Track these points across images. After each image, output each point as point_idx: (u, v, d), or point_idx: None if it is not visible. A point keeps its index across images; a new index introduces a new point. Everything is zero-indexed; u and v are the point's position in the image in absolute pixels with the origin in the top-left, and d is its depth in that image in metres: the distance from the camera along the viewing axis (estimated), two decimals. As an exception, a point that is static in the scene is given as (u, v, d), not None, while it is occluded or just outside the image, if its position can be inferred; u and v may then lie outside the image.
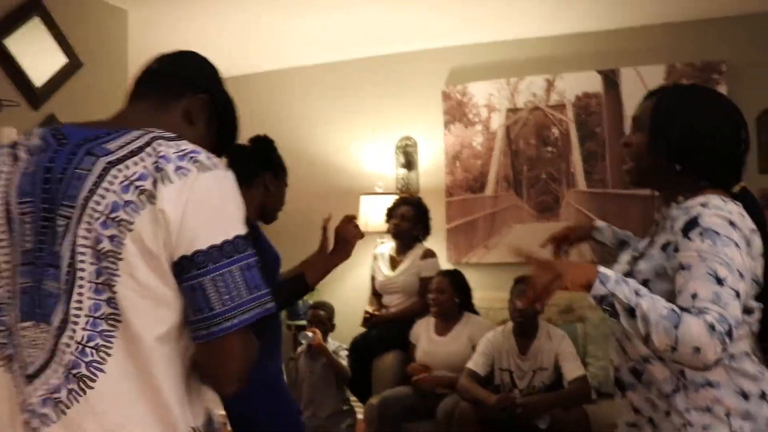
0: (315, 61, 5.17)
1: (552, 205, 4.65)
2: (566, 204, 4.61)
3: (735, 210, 1.40)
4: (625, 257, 1.61)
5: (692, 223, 1.37)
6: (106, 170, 1.10)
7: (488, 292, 4.44)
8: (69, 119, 3.54)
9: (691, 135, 1.50)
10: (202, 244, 1.08)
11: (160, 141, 1.13)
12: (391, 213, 4.39)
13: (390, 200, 4.52)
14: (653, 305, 1.30)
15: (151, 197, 1.07)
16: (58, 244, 1.11)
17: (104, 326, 1.09)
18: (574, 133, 4.63)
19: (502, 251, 4.70)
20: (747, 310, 1.37)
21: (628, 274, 1.48)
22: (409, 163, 4.94)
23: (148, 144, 1.12)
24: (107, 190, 1.09)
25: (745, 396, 1.39)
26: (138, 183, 1.08)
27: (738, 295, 1.30)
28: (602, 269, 1.36)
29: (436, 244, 4.69)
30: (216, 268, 1.09)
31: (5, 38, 3.27)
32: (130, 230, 1.07)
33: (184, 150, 1.12)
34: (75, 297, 1.09)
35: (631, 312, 1.30)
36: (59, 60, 3.54)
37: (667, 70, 4.41)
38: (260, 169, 2.47)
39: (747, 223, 1.40)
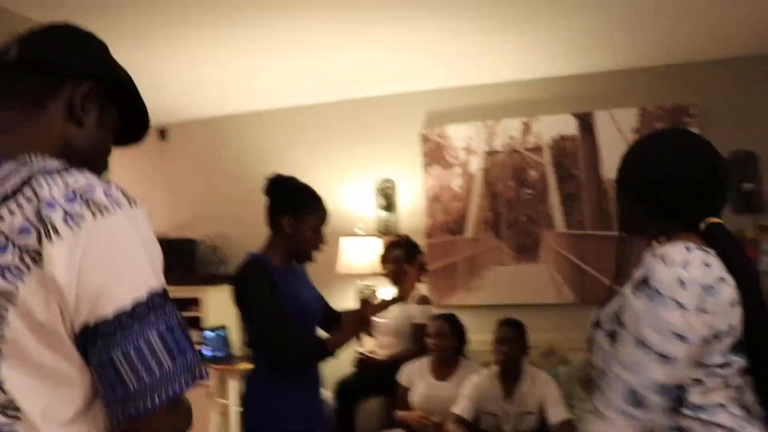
0: (293, 103, 5.19)
1: (531, 247, 4.68)
2: (545, 245, 4.64)
3: (696, 261, 1.33)
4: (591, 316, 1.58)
5: (642, 282, 1.35)
6: None
7: (471, 335, 4.41)
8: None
9: (648, 175, 1.49)
10: (108, 311, 0.86)
11: (40, 178, 0.88)
12: (384, 258, 4.33)
13: (371, 242, 4.51)
14: None
15: (37, 257, 0.84)
16: None
17: (3, 419, 0.87)
18: (552, 175, 4.68)
19: (484, 293, 4.69)
20: (720, 365, 1.34)
21: (597, 323, 1.48)
22: (389, 205, 4.94)
23: (24, 183, 0.88)
24: None
25: None
26: (21, 241, 0.85)
27: (665, 356, 1.29)
28: None
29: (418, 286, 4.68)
30: (127, 338, 0.87)
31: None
32: (14, 304, 0.85)
33: (73, 188, 0.88)
34: None
35: None
36: None
37: (640, 113, 4.50)
38: (276, 213, 2.44)
39: (711, 273, 1.33)
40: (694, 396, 1.34)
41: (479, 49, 4.18)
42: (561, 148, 4.67)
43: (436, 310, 4.23)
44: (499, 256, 4.73)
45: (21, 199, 0.87)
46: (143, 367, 0.88)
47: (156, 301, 0.91)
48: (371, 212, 5.00)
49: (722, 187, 1.49)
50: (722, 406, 1.36)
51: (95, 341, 0.87)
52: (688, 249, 1.36)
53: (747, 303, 1.36)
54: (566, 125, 4.66)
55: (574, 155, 4.64)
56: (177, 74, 4.43)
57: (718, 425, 1.35)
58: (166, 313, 0.92)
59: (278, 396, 2.34)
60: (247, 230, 5.22)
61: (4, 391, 0.86)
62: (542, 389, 3.63)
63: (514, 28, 3.85)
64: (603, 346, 1.44)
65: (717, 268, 1.35)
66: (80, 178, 0.90)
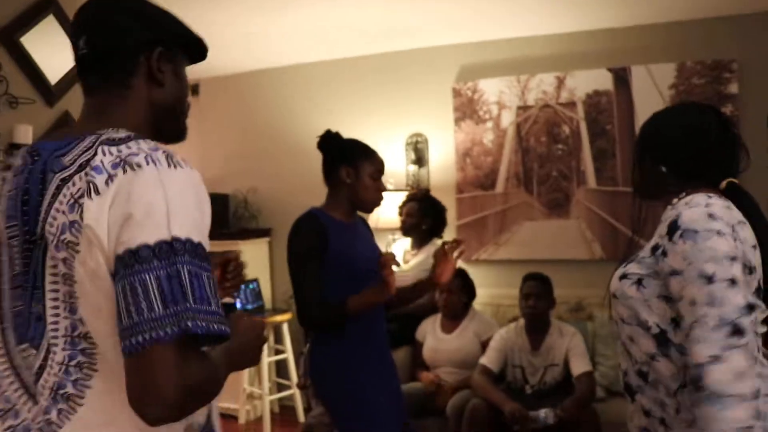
0: (324, 56, 5.18)
1: (562, 203, 4.66)
2: (576, 202, 4.62)
3: (718, 203, 1.44)
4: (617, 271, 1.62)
5: (673, 226, 1.43)
6: (59, 188, 1.04)
7: (498, 289, 4.47)
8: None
9: (667, 135, 1.60)
10: (120, 249, 0.98)
11: (103, 148, 1.05)
12: (400, 210, 4.41)
13: (400, 197, 4.54)
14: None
15: (84, 214, 1.00)
16: (34, 266, 1.07)
17: (84, 344, 1.05)
18: (585, 130, 4.63)
19: (513, 248, 4.71)
20: (749, 306, 1.38)
21: (623, 275, 1.54)
22: (420, 160, 4.95)
23: (92, 159, 1.04)
24: (58, 210, 1.03)
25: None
26: (80, 200, 1.01)
27: (733, 281, 1.35)
28: None
29: (447, 239, 4.70)
30: (127, 274, 0.97)
31: (21, 36, 3.28)
32: (77, 251, 1.01)
33: (121, 156, 1.03)
34: (50, 318, 1.06)
35: None
36: (72, 57, 3.54)
37: (678, 69, 4.40)
38: (333, 166, 2.45)
39: (733, 214, 1.44)
40: None
41: (514, 2, 4.11)
42: (595, 103, 4.61)
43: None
44: (529, 212, 4.72)
45: (88, 168, 1.03)
46: (134, 306, 0.97)
47: (163, 249, 0.98)
48: (401, 167, 5.01)
49: (733, 146, 1.59)
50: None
51: (119, 269, 0.98)
52: (708, 197, 1.47)
53: (765, 253, 1.47)
54: (601, 80, 4.58)
55: (609, 111, 4.58)
56: (209, 29, 4.40)
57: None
58: (172, 263, 0.98)
59: (348, 359, 2.38)
60: (279, 184, 5.32)
61: (83, 324, 1.04)
62: (569, 342, 3.67)
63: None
64: (630, 294, 1.50)
65: (737, 213, 1.46)
66: (133, 146, 1.05)
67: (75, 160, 1.05)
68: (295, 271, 2.36)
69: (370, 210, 2.51)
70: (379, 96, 5.08)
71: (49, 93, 3.40)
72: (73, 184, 1.03)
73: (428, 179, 4.97)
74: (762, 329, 1.46)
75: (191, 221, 1.03)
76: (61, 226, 1.02)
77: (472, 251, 4.78)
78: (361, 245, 2.47)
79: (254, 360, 1.29)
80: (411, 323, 4.14)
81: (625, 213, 4.47)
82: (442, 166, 4.94)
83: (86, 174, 1.02)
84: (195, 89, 5.64)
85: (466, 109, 4.86)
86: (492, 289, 4.49)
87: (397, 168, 4.99)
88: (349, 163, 2.43)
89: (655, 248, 1.48)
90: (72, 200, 1.02)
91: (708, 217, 1.40)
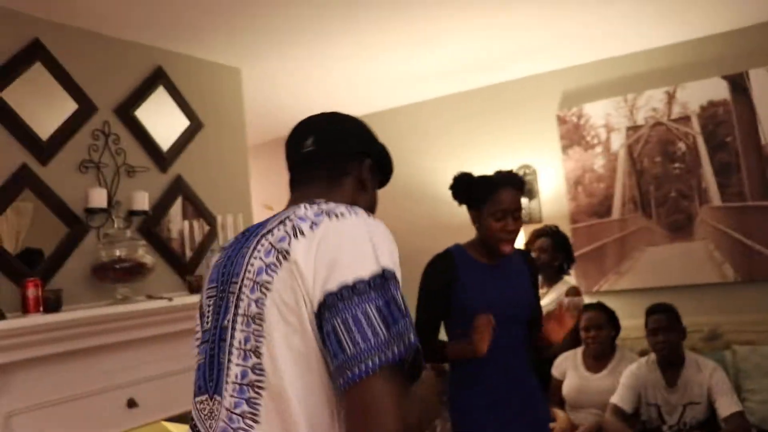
0: (427, 96, 5.18)
1: (685, 224, 4.38)
2: (700, 221, 4.34)
3: None
4: None
5: None
6: (258, 242, 1.16)
7: (624, 321, 4.21)
8: (193, 178, 3.71)
9: None
10: (333, 285, 1.04)
11: (305, 204, 1.16)
12: (529, 247, 4.22)
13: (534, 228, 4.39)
14: None
15: (286, 254, 1.08)
16: (226, 319, 1.16)
17: (250, 393, 1.09)
18: (702, 145, 4.36)
19: (635, 276, 4.46)
20: None
21: None
22: (530, 192, 4.81)
23: (294, 212, 1.15)
24: (256, 257, 1.13)
25: None
26: (278, 245, 1.11)
27: None
28: None
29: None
30: (348, 308, 1.03)
31: (135, 110, 3.45)
32: (270, 290, 1.09)
33: (323, 209, 1.14)
34: (227, 366, 1.13)
35: None
36: (182, 123, 3.71)
37: (804, 69, 4.09)
38: (468, 209, 2.46)
39: None
40: None
41: (612, 20, 3.95)
42: (711, 115, 4.34)
43: (587, 300, 4.05)
44: (649, 237, 4.47)
45: (286, 220, 1.14)
46: (359, 334, 1.02)
47: (377, 282, 1.06)
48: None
49: None
50: None
51: (324, 313, 1.04)
52: None
53: None
54: (715, 90, 4.32)
55: (727, 121, 4.29)
56: (310, 82, 4.53)
57: None
58: (385, 291, 1.06)
59: (470, 393, 2.35)
60: (393, 226, 5.31)
61: (261, 369, 1.08)
62: (709, 377, 3.38)
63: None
64: None
65: None
66: (332, 204, 1.16)
67: (276, 218, 1.17)
68: (416, 305, 2.37)
69: (497, 253, 2.40)
70: (483, 131, 5.00)
71: (162, 159, 3.55)
72: (272, 234, 1.14)
73: (540, 211, 4.81)
74: None
75: (389, 257, 1.11)
76: (257, 270, 1.11)
77: (592, 282, 4.57)
78: (504, 286, 2.39)
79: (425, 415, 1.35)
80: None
81: (758, 229, 4.16)
82: (554, 196, 4.78)
83: (290, 220, 1.13)
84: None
85: (573, 135, 4.70)
86: (617, 321, 4.25)
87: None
88: (472, 206, 2.40)
89: None
90: (270, 247, 1.12)
91: None
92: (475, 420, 2.32)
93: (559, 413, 3.70)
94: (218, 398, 1.14)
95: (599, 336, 3.69)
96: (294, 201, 1.28)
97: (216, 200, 3.84)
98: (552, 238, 4.10)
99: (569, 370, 3.80)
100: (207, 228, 3.75)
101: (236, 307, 1.14)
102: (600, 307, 3.81)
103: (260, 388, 1.08)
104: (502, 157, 4.90)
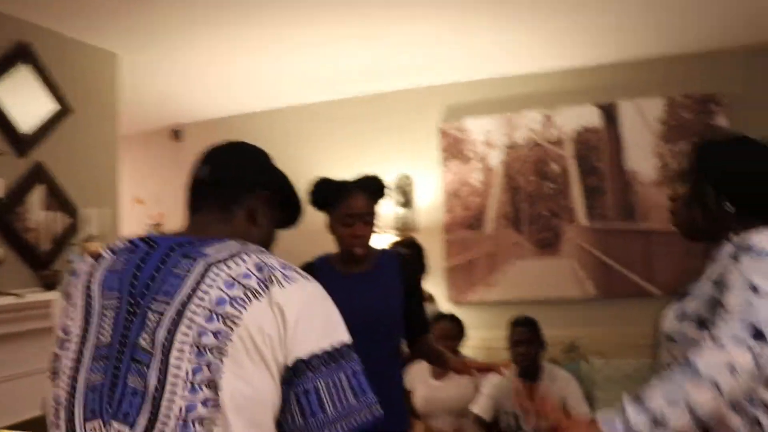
0: (309, 100, 5.14)
1: (553, 241, 4.57)
2: (567, 239, 4.53)
3: None
4: (671, 312, 1.51)
5: (742, 248, 1.37)
6: (207, 270, 1.10)
7: (489, 331, 4.35)
8: (56, 166, 3.49)
9: (740, 171, 1.51)
10: (317, 348, 1.07)
11: (254, 248, 1.17)
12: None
13: (388, 239, 4.44)
14: (671, 398, 1.23)
15: (260, 294, 1.07)
16: (145, 340, 1.08)
17: (197, 429, 1.02)
18: (574, 167, 4.56)
19: (503, 289, 4.60)
20: None
21: (683, 315, 1.45)
22: (407, 202, 4.87)
23: (243, 252, 1.14)
24: (210, 286, 1.08)
25: None
26: (243, 281, 1.09)
27: None
28: (604, 423, 1.27)
29: (436, 282, 4.60)
30: (329, 372, 1.08)
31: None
32: (238, 325, 1.05)
33: (279, 261, 1.15)
34: (167, 396, 1.04)
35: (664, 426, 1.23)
36: (48, 106, 3.49)
37: (667, 103, 4.36)
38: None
39: None
40: None
41: (499, 41, 4.08)
42: (584, 140, 4.55)
43: (437, 309, 4.16)
44: (519, 251, 4.63)
45: (243, 257, 1.12)
46: (338, 398, 1.07)
47: (346, 350, 1.12)
48: (389, 209, 4.93)
49: None
50: None
51: (305, 372, 1.06)
52: None
53: None
54: (589, 117, 4.54)
55: (598, 147, 4.52)
56: (191, 75, 4.40)
57: None
58: (355, 361, 1.12)
59: None
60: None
61: (215, 404, 1.03)
62: (563, 388, 3.54)
63: (535, 18, 3.74)
64: (692, 335, 1.40)
65: None
66: (278, 259, 1.17)
67: (220, 251, 1.14)
68: None
69: (350, 259, 2.37)
70: (364, 138, 5.02)
71: (20, 143, 3.32)
72: (228, 267, 1.10)
73: (415, 221, 4.88)
74: None
75: (344, 324, 1.17)
76: (217, 299, 1.07)
77: (462, 293, 4.67)
78: (365, 295, 2.31)
79: None
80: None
81: (618, 250, 4.39)
82: (430, 207, 4.87)
83: (246, 261, 1.11)
84: (177, 134, 5.60)
85: (453, 149, 4.80)
86: (483, 331, 4.37)
87: (384, 210, 4.90)
88: (326, 211, 2.36)
89: (716, 280, 1.40)
90: (231, 280, 1.09)
91: None
92: None
93: (416, 423, 3.77)
94: (121, 427, 1.05)
95: (446, 346, 3.80)
96: (192, 227, 1.28)
97: (81, 192, 3.63)
98: (409, 249, 4.19)
99: (417, 380, 3.87)
100: (69, 221, 3.54)
101: (171, 331, 1.06)
102: (450, 318, 3.93)
103: (213, 423, 1.02)
104: (381, 166, 4.92)
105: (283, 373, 1.05)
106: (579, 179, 4.55)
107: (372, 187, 2.37)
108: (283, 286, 1.09)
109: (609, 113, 4.49)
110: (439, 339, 3.77)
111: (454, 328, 3.88)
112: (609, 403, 3.78)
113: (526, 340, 3.60)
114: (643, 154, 4.39)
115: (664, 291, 4.20)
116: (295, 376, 1.05)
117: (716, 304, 1.36)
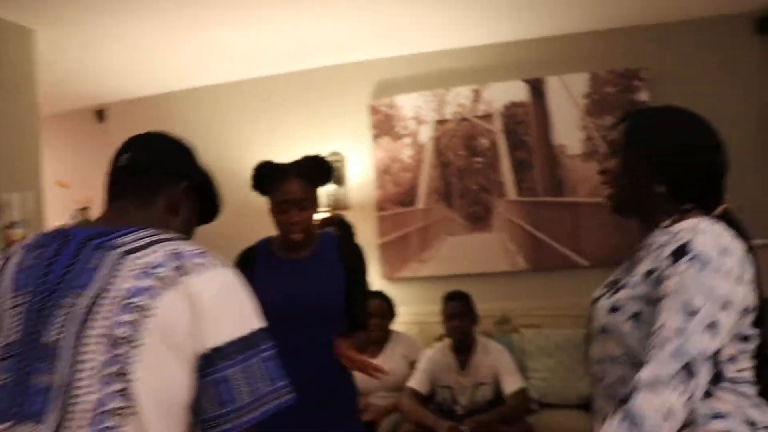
0: (237, 77, 5.01)
1: (484, 216, 4.62)
2: (497, 214, 4.59)
3: (727, 234, 1.31)
4: (600, 290, 1.48)
5: (682, 249, 1.28)
6: (119, 261, 1.09)
7: (423, 306, 4.38)
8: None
9: (672, 151, 1.42)
10: (230, 336, 1.06)
11: (168, 236, 1.15)
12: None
13: (320, 217, 4.40)
14: None
15: (174, 283, 1.06)
16: (54, 334, 1.05)
17: (111, 422, 1.01)
18: (503, 142, 4.61)
19: (436, 264, 4.64)
20: (744, 337, 1.31)
21: (614, 308, 1.38)
22: (338, 179, 4.83)
23: (158, 241, 1.12)
24: (123, 277, 1.07)
25: (753, 425, 1.29)
26: (156, 270, 1.07)
27: (713, 325, 1.22)
28: None
29: (368, 259, 4.59)
30: (243, 359, 1.06)
31: None
32: (150, 316, 1.04)
33: (195, 248, 1.13)
34: (78, 390, 1.02)
35: None
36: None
37: (591, 78, 4.45)
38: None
39: (741, 246, 1.32)
40: (729, 369, 1.30)
41: (426, 17, 4.06)
42: (512, 115, 4.60)
43: (376, 281, 4.16)
44: (451, 227, 4.66)
45: (156, 247, 1.10)
46: (253, 386, 1.06)
47: (261, 336, 1.11)
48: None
49: (726, 167, 1.45)
50: (750, 382, 1.33)
51: (218, 361, 1.04)
52: (713, 223, 1.33)
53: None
54: (517, 92, 4.58)
55: (526, 122, 4.58)
56: (113, 52, 4.22)
57: (751, 400, 1.31)
58: (269, 345, 1.11)
59: None
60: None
61: (129, 396, 1.01)
62: (496, 359, 3.61)
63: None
64: (626, 330, 1.35)
65: (740, 242, 1.33)
66: (194, 245, 1.16)
67: (134, 241, 1.12)
68: None
69: (290, 243, 2.31)
70: (294, 115, 4.94)
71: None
72: (140, 258, 1.08)
73: (347, 198, 4.85)
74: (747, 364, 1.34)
75: (254, 311, 1.15)
76: (130, 291, 1.05)
77: (395, 269, 4.69)
78: (297, 281, 2.28)
79: None
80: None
81: (547, 223, 4.47)
82: (362, 184, 4.84)
83: (158, 251, 1.10)
84: (100, 115, 5.38)
85: (384, 125, 4.78)
86: (417, 306, 4.40)
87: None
88: (266, 195, 2.32)
89: (649, 273, 1.34)
90: (144, 270, 1.07)
91: (723, 250, 1.27)
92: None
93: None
94: (32, 425, 1.02)
95: (380, 323, 3.83)
96: (109, 214, 1.26)
97: (0, 175, 3.45)
98: (338, 227, 4.17)
99: None
100: (-15, 203, 3.37)
101: (83, 324, 1.04)
102: (378, 295, 3.95)
103: (128, 414, 1.01)
104: (311, 143, 4.86)
105: (196, 363, 1.05)
106: (508, 154, 4.60)
107: (310, 171, 2.31)
108: (196, 275, 1.08)
109: (536, 88, 4.55)
110: (373, 317, 3.78)
111: (384, 305, 3.90)
112: (540, 371, 3.88)
113: (459, 313, 3.65)
114: (569, 129, 4.48)
115: (592, 262, 4.32)
116: (209, 365, 1.04)
117: (651, 301, 1.31)
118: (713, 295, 1.23)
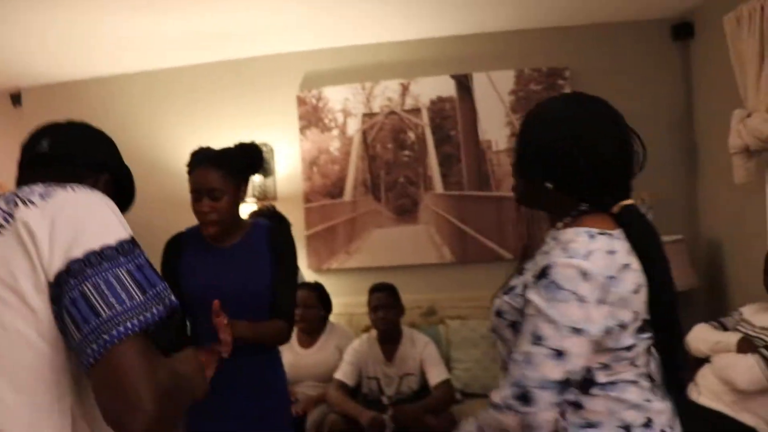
0: (162, 65, 4.88)
1: (410, 209, 4.66)
2: (424, 207, 4.64)
3: (600, 251, 1.27)
4: (500, 288, 1.50)
5: (542, 273, 1.28)
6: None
7: (350, 297, 4.39)
8: None
9: (555, 148, 1.35)
10: (78, 253, 1.00)
11: (24, 188, 1.12)
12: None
13: (248, 208, 4.34)
14: None
15: (9, 217, 1.03)
16: None
17: None
18: (430, 136, 4.67)
19: (363, 256, 4.65)
20: (627, 347, 1.31)
21: (499, 312, 1.44)
22: (266, 170, 4.77)
23: (17, 191, 1.10)
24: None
25: (627, 428, 1.31)
26: (15, 199, 1.06)
27: (560, 353, 1.24)
28: None
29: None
30: (98, 273, 1.00)
31: None
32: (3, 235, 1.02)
33: (51, 184, 1.11)
34: None
35: None
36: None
37: (517, 75, 4.54)
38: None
39: (615, 261, 1.28)
40: (601, 376, 1.31)
41: (356, 10, 4.06)
42: (439, 109, 4.66)
43: (303, 272, 4.16)
44: (378, 219, 4.69)
45: (8, 196, 1.09)
46: (114, 297, 0.99)
47: (125, 248, 1.05)
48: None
49: (632, 164, 1.38)
50: (630, 382, 1.34)
51: (68, 281, 0.98)
52: (591, 236, 1.29)
53: (655, 285, 1.33)
54: (445, 87, 4.64)
55: (453, 117, 4.64)
56: (30, 34, 4.03)
57: (627, 403, 1.32)
58: (135, 256, 1.06)
59: None
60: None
61: None
62: (421, 351, 3.65)
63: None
64: (506, 336, 1.40)
65: (621, 254, 1.30)
66: (39, 187, 1.11)
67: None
68: None
69: (206, 232, 2.24)
70: (221, 105, 4.86)
71: None
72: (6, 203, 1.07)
73: (275, 189, 4.81)
74: (645, 358, 1.36)
75: (123, 222, 1.12)
76: None
77: (323, 261, 4.68)
78: (220, 269, 2.22)
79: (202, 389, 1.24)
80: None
81: (473, 216, 4.55)
82: (289, 175, 4.81)
83: (13, 195, 1.08)
84: (17, 98, 5.15)
85: (312, 117, 4.75)
86: (344, 297, 4.40)
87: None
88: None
89: (526, 286, 1.35)
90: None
91: (580, 276, 1.24)
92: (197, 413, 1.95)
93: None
94: None
95: (308, 315, 3.82)
96: None
97: None
98: (268, 218, 4.13)
99: (284, 349, 3.84)
100: None
101: None
102: (312, 286, 3.94)
103: None
104: (238, 134, 4.76)
105: (49, 294, 1.00)
106: (435, 148, 4.66)
107: (227, 161, 2.24)
108: (33, 204, 1.04)
109: (463, 84, 4.62)
110: (301, 307, 3.77)
111: (317, 297, 3.88)
112: (464, 362, 3.95)
113: (385, 305, 3.68)
114: (495, 124, 4.57)
115: (516, 255, 4.42)
116: (60, 290, 0.99)
117: (522, 315, 1.33)
118: (561, 322, 1.24)
